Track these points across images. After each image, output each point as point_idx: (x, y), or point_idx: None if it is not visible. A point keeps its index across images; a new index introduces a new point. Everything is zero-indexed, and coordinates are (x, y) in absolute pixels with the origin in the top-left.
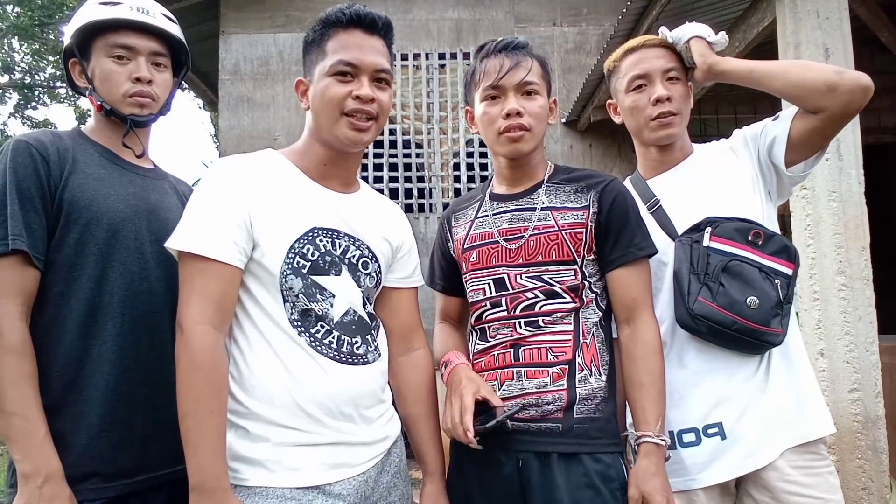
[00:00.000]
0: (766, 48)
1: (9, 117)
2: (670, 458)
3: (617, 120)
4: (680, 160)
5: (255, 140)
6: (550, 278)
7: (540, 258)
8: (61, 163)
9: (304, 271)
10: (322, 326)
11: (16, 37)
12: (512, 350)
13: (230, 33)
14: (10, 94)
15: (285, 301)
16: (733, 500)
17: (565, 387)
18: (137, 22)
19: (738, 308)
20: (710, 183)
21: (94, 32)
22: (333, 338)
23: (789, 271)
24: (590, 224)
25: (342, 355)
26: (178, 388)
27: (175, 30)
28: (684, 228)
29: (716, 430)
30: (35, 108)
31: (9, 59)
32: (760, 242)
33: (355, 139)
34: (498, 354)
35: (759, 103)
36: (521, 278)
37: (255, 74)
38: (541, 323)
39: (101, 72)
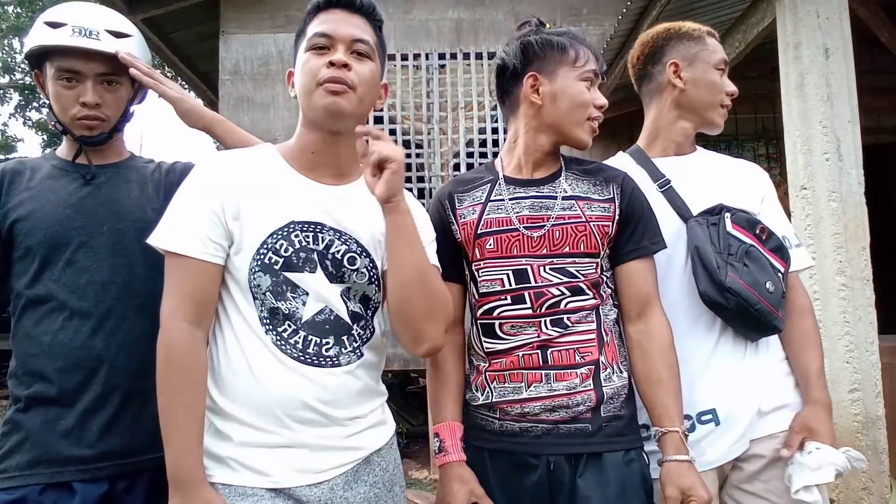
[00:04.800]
0: (766, 48)
1: (9, 118)
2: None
3: (678, 83)
4: (689, 151)
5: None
6: (576, 271)
7: (567, 249)
8: (8, 185)
9: (277, 268)
10: (289, 325)
11: (16, 37)
12: (539, 352)
13: (230, 33)
14: (11, 94)
15: (255, 298)
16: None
17: (592, 386)
18: (79, 49)
19: (760, 289)
20: (721, 176)
21: (42, 55)
22: (299, 338)
23: (783, 269)
24: (616, 216)
25: (307, 356)
26: (156, 382)
27: (126, 45)
28: (696, 211)
29: (710, 416)
30: (38, 111)
31: (9, 60)
32: (764, 238)
33: (331, 106)
34: (524, 356)
35: (760, 104)
36: (544, 271)
37: (255, 74)
38: (567, 322)
39: (53, 93)
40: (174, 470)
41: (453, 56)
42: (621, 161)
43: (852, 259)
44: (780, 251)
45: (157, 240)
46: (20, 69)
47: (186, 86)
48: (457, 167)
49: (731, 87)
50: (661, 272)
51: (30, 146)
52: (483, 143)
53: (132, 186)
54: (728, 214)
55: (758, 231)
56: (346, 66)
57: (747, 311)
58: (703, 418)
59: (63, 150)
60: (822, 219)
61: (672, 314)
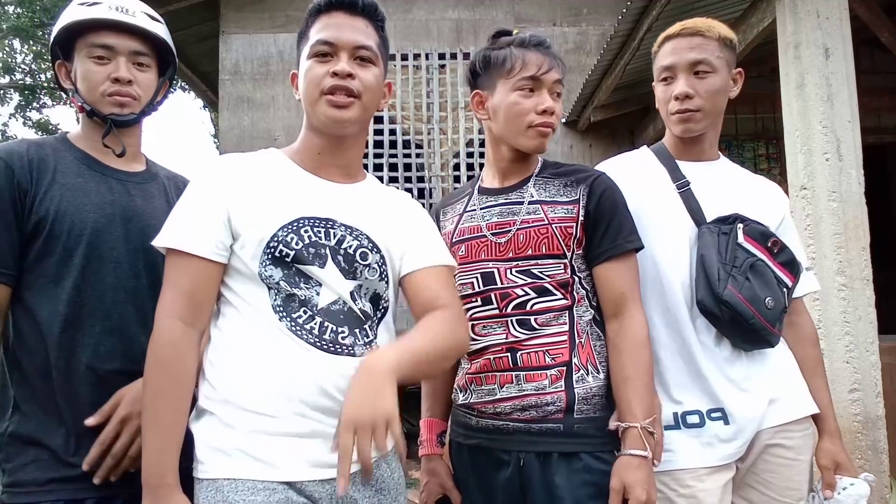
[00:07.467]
0: (766, 48)
1: (10, 118)
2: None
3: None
4: (710, 157)
5: (255, 140)
6: (540, 272)
7: (530, 251)
8: (36, 173)
9: (288, 260)
10: (305, 312)
11: (17, 38)
12: (509, 354)
13: (230, 33)
14: (11, 94)
15: (269, 288)
16: (732, 476)
17: (563, 388)
18: (115, 21)
19: (758, 305)
20: (742, 187)
21: (75, 34)
22: (315, 324)
23: (791, 283)
24: (580, 218)
25: (324, 342)
26: (143, 379)
27: (158, 29)
28: (710, 217)
29: (719, 414)
30: (39, 111)
31: (10, 60)
32: (776, 251)
33: (335, 117)
34: (495, 359)
35: (760, 104)
36: (510, 273)
37: (255, 74)
38: (534, 324)
39: (82, 72)
40: (149, 473)
41: (453, 56)
42: (643, 156)
43: (852, 259)
44: (791, 265)
45: (160, 239)
46: (20, 69)
47: (187, 86)
48: (457, 167)
49: (678, 90)
50: (669, 271)
51: None
52: (483, 143)
53: (157, 204)
54: (741, 225)
55: (770, 244)
56: (350, 75)
57: (740, 325)
58: (713, 415)
59: (84, 139)
60: (822, 219)
61: (677, 314)
